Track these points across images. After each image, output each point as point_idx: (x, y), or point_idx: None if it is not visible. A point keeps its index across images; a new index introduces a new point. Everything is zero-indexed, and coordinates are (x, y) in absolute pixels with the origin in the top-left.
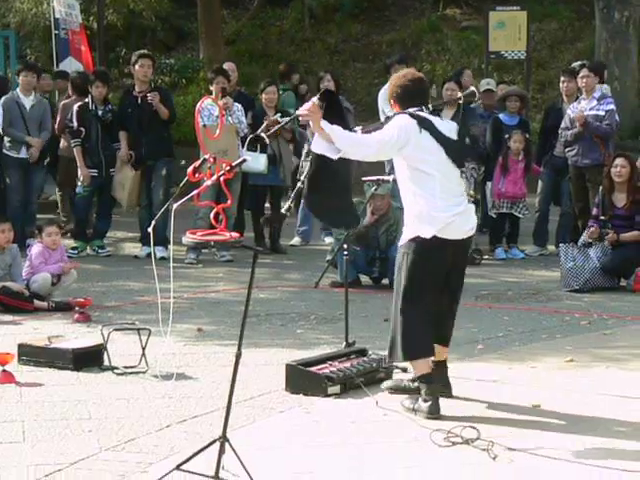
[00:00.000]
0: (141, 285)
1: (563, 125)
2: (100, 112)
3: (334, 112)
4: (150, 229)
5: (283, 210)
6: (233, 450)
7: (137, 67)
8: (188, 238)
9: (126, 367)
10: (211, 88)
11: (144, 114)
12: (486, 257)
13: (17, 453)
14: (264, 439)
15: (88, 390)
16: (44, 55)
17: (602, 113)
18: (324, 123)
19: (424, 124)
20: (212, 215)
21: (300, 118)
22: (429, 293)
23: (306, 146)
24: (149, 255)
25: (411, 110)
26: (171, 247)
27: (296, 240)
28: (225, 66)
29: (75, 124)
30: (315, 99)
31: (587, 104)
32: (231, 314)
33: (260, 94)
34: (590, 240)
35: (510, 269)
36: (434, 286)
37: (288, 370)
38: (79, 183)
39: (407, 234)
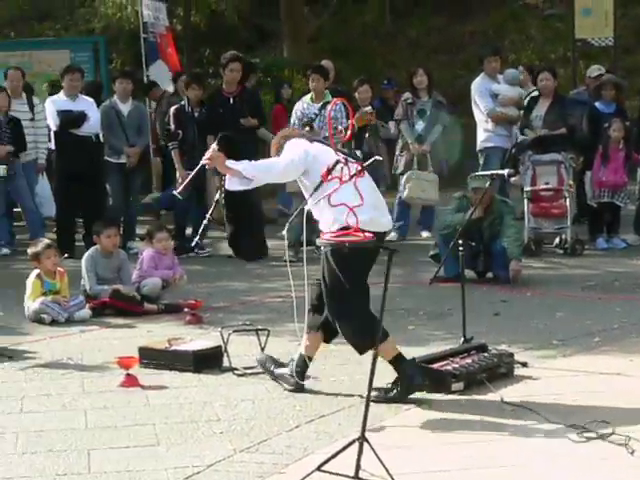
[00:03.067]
0: (245, 285)
1: None
2: (196, 114)
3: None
4: (285, 232)
5: None
6: (373, 450)
7: (227, 71)
8: (322, 239)
9: (246, 368)
10: (309, 86)
11: (235, 113)
12: (587, 247)
13: (153, 456)
14: (394, 438)
15: (211, 392)
16: (130, 59)
17: None
18: (229, 162)
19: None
20: (345, 215)
21: (206, 166)
22: None
23: (400, 141)
24: None
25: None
26: (304, 248)
27: (393, 235)
28: (324, 63)
29: (172, 127)
30: (214, 145)
31: None
32: None
33: (354, 92)
34: None
35: (614, 259)
36: None
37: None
38: (177, 185)
39: None
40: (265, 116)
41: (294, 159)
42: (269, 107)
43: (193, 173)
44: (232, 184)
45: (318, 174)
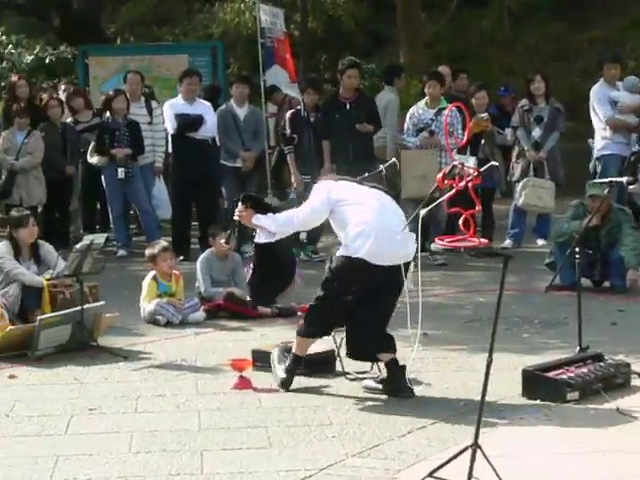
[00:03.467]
0: None
1: None
2: (312, 119)
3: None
4: (398, 237)
5: None
6: (486, 458)
7: (345, 77)
8: (437, 244)
9: (358, 372)
10: (425, 91)
11: (351, 119)
12: None
13: (265, 458)
14: (508, 446)
15: (324, 396)
16: (247, 64)
17: None
18: (255, 218)
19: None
20: (461, 221)
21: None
22: None
23: (516, 148)
24: None
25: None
26: (419, 254)
27: (507, 243)
28: (440, 69)
29: (288, 131)
30: (240, 205)
31: None
32: (452, 318)
33: (471, 98)
34: None
35: None
36: None
37: (525, 375)
38: (292, 189)
39: None
40: (381, 122)
41: (314, 207)
42: None
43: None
44: (260, 237)
45: (344, 214)
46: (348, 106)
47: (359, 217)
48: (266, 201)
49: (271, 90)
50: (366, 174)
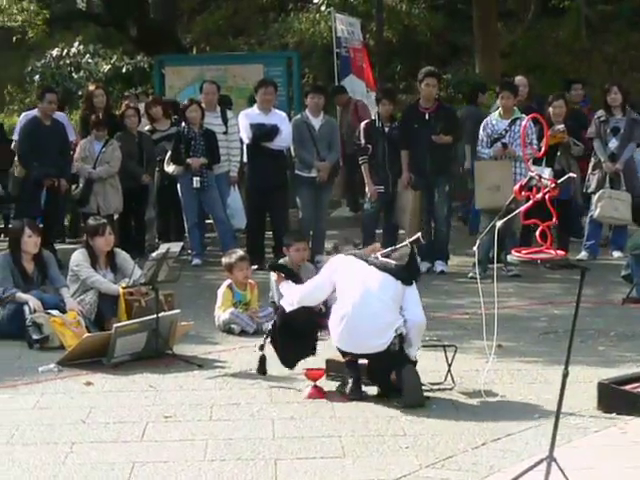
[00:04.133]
0: (432, 301)
1: None
2: (386, 129)
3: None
4: (475, 248)
5: None
6: (561, 471)
7: (423, 85)
8: (514, 256)
9: (432, 384)
10: (497, 102)
11: (430, 130)
12: None
13: (339, 468)
14: (583, 459)
15: (398, 406)
16: (322, 74)
17: None
18: (284, 285)
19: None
20: (537, 233)
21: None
22: None
23: (593, 159)
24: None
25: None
26: (495, 265)
27: (583, 255)
28: (517, 80)
29: (362, 141)
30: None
31: None
32: (527, 330)
33: (548, 107)
34: None
35: None
36: None
37: (600, 388)
38: (366, 199)
39: None
40: (461, 133)
41: (318, 283)
42: None
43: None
44: (285, 299)
45: (341, 283)
46: (427, 116)
47: (340, 302)
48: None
49: (337, 90)
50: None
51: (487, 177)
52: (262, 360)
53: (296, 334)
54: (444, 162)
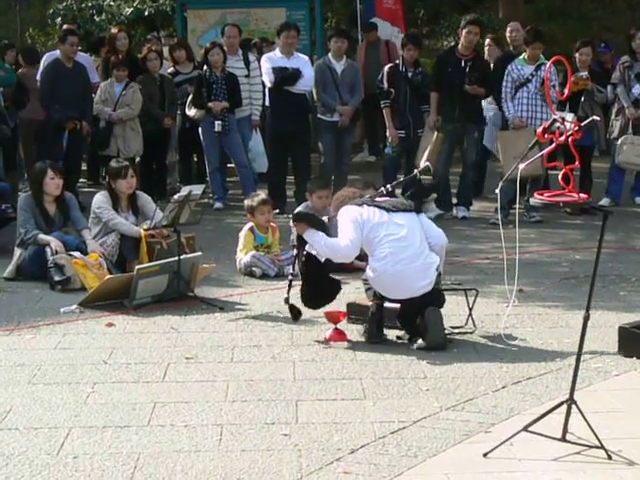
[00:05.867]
0: (454, 246)
1: None
2: (410, 74)
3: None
4: (497, 190)
5: None
6: (581, 413)
7: (465, 32)
8: (536, 199)
9: (453, 327)
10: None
11: (463, 77)
12: None
13: (360, 409)
14: (604, 402)
15: (418, 349)
16: (345, 18)
17: None
18: (307, 234)
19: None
20: (560, 176)
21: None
22: None
23: (616, 105)
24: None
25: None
26: (517, 210)
27: (605, 200)
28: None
29: (385, 85)
30: (291, 223)
31: None
32: (549, 275)
33: (575, 53)
34: None
35: None
36: None
37: (621, 333)
38: (387, 144)
39: None
40: (494, 87)
41: (353, 240)
42: None
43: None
44: (311, 248)
45: (373, 234)
46: (463, 63)
47: (378, 252)
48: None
49: (368, 27)
50: (401, 179)
51: (512, 146)
52: (292, 308)
53: (321, 279)
54: (474, 109)
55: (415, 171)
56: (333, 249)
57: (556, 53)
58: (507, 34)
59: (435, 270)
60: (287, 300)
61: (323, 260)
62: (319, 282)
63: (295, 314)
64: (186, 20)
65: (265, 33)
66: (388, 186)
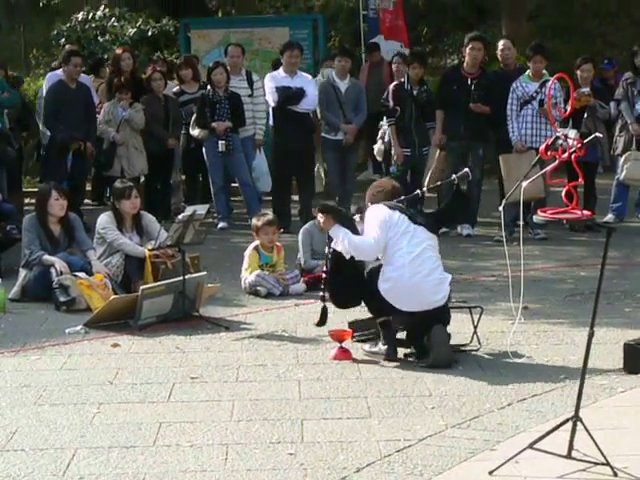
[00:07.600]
0: (459, 263)
1: None
2: (415, 92)
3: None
4: (501, 208)
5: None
6: (587, 430)
7: (468, 49)
8: (539, 216)
9: (458, 345)
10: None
11: (469, 96)
12: None
13: (365, 428)
14: (609, 419)
15: (423, 367)
16: (348, 37)
17: None
18: (333, 231)
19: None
20: (563, 193)
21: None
22: None
23: (620, 121)
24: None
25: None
26: (521, 228)
27: (609, 217)
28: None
29: (391, 103)
30: (318, 214)
31: None
32: (553, 292)
33: (576, 70)
34: None
35: None
36: None
37: (626, 349)
38: (393, 162)
39: None
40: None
41: (378, 239)
42: None
43: None
44: (337, 245)
45: (394, 241)
46: (469, 82)
47: (394, 261)
48: (349, 214)
49: (371, 48)
50: (439, 182)
51: (515, 170)
52: (324, 311)
53: (347, 279)
54: (479, 127)
55: (453, 176)
56: (357, 246)
57: (560, 70)
58: (498, 52)
59: (448, 285)
60: (323, 299)
61: (348, 257)
62: (349, 280)
63: (323, 319)
64: (189, 40)
65: (268, 53)
66: (424, 189)
